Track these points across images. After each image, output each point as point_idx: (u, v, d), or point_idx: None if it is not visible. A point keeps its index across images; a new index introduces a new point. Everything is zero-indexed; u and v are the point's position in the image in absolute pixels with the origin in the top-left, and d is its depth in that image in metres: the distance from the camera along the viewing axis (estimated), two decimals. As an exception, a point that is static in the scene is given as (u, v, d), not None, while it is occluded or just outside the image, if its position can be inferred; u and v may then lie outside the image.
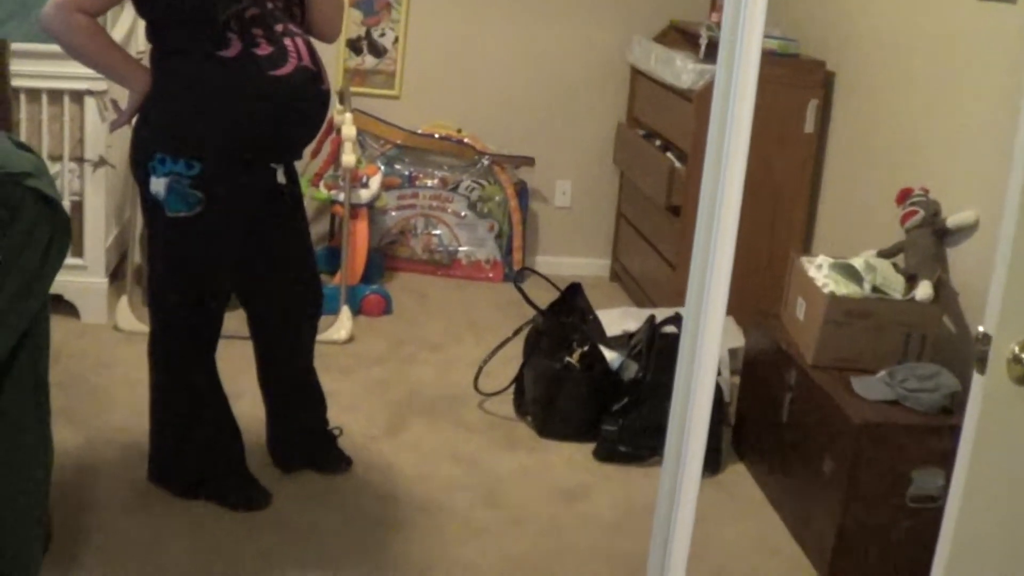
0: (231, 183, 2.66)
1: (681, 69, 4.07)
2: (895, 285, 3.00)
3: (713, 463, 3.22)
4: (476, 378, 3.63)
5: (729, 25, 1.88)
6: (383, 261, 4.82)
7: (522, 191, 4.90)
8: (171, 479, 2.92)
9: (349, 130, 4.25)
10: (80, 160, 3.89)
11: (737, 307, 2.97)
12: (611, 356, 3.49)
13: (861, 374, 2.88)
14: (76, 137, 3.89)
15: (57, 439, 2.19)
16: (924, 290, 2.94)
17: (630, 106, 4.87)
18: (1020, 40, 2.83)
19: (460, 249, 4.90)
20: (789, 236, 4.06)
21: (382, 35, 4.81)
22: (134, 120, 2.72)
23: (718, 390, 2.99)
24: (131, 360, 3.59)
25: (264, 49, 2.60)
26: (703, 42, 4.12)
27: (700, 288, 2.03)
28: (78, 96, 3.83)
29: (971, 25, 3.08)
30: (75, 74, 3.59)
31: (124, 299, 4.02)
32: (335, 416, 3.23)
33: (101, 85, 3.75)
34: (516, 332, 3.66)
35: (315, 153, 4.58)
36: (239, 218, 2.73)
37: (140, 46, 3.97)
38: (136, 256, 4.18)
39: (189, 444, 2.89)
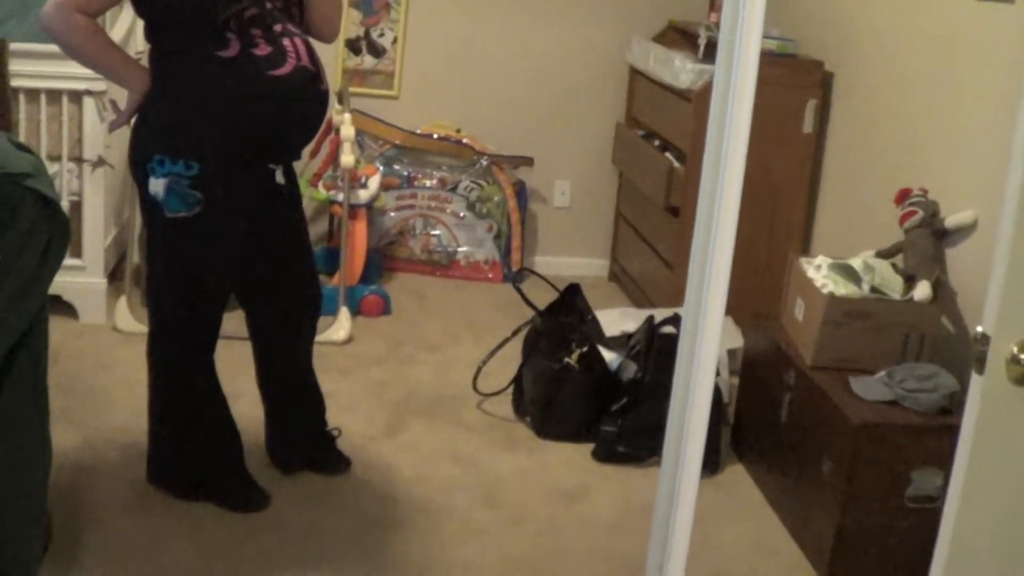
0: (230, 184, 2.66)
1: (680, 69, 4.07)
2: (894, 285, 3.00)
3: (712, 464, 3.22)
4: (475, 379, 3.63)
5: (728, 25, 1.89)
6: (382, 261, 4.82)
7: (521, 191, 4.90)
8: (170, 480, 2.92)
9: (348, 130, 4.25)
10: (79, 160, 3.89)
11: (736, 307, 2.97)
12: (610, 357, 3.49)
13: (860, 374, 2.88)
14: (75, 137, 3.89)
15: (56, 440, 2.19)
16: (923, 290, 2.94)
17: (629, 106, 4.88)
18: (1019, 40, 2.83)
19: (459, 249, 4.90)
20: (788, 236, 4.06)
21: (381, 35, 4.81)
22: (133, 120, 2.72)
23: (717, 391, 2.98)
24: (130, 361, 3.59)
25: (263, 49, 2.60)
26: (702, 42, 4.12)
27: (699, 288, 2.03)
28: (77, 96, 3.83)
29: (970, 25, 3.08)
30: (74, 74, 3.59)
31: (123, 300, 4.02)
32: (334, 417, 3.23)
33: (100, 85, 3.75)
34: (515, 332, 3.66)
35: (314, 153, 4.58)
36: (238, 219, 2.73)
37: (139, 46, 3.97)
38: (135, 256, 4.18)
39: (188, 445, 2.89)
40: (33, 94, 3.83)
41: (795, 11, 4.27)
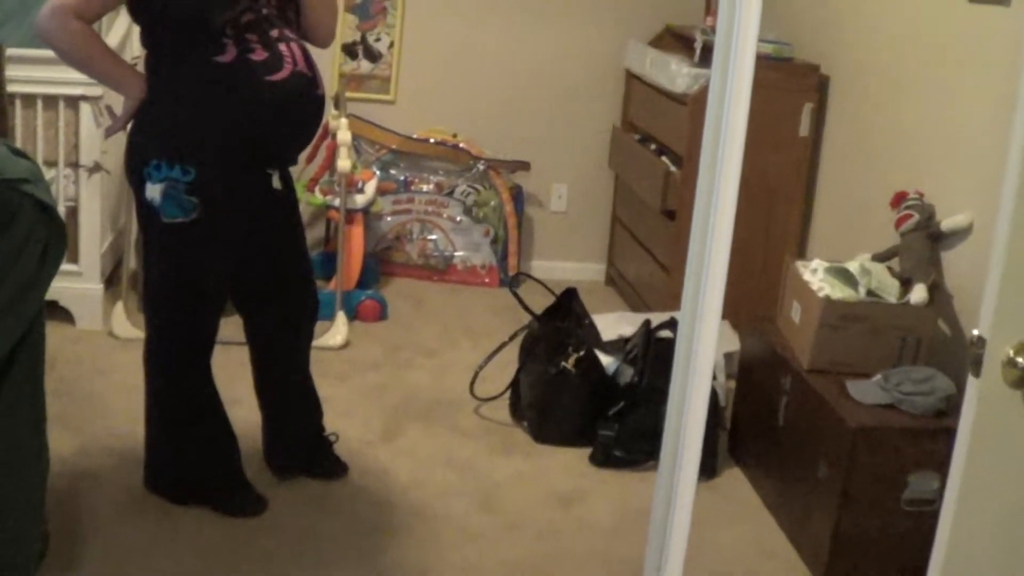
0: (227, 189, 2.66)
1: (676, 73, 4.08)
2: (890, 289, 3.01)
3: (709, 467, 3.22)
4: (472, 383, 3.63)
5: (724, 29, 1.89)
6: (379, 266, 4.82)
7: (518, 196, 4.90)
8: (167, 485, 2.91)
9: (344, 135, 4.25)
10: (75, 166, 3.89)
11: (732, 311, 2.98)
12: (607, 361, 3.49)
13: (856, 378, 2.89)
14: (71, 143, 3.88)
15: (53, 445, 2.18)
16: (919, 293, 2.94)
17: (625, 110, 4.88)
18: (1014, 43, 2.84)
19: (456, 254, 4.91)
20: (784, 240, 4.07)
21: (377, 40, 4.82)
22: (129, 126, 2.72)
23: (713, 394, 2.98)
24: (127, 366, 3.59)
25: (259, 54, 2.60)
26: (698, 46, 4.12)
27: (695, 292, 2.04)
28: (73, 102, 3.83)
29: (965, 28, 3.09)
30: (70, 80, 3.58)
31: (119, 305, 4.01)
32: (331, 422, 3.23)
33: (96, 91, 3.75)
34: (512, 337, 3.66)
35: (310, 158, 4.58)
36: (235, 224, 2.73)
37: (135, 52, 3.97)
38: (131, 262, 4.17)
39: (185, 450, 2.89)
40: (29, 99, 3.82)
41: (791, 15, 4.28)
